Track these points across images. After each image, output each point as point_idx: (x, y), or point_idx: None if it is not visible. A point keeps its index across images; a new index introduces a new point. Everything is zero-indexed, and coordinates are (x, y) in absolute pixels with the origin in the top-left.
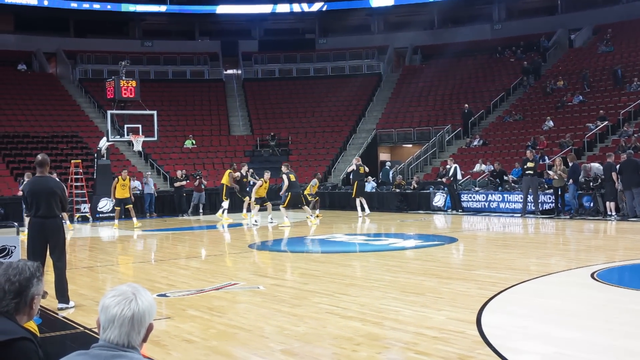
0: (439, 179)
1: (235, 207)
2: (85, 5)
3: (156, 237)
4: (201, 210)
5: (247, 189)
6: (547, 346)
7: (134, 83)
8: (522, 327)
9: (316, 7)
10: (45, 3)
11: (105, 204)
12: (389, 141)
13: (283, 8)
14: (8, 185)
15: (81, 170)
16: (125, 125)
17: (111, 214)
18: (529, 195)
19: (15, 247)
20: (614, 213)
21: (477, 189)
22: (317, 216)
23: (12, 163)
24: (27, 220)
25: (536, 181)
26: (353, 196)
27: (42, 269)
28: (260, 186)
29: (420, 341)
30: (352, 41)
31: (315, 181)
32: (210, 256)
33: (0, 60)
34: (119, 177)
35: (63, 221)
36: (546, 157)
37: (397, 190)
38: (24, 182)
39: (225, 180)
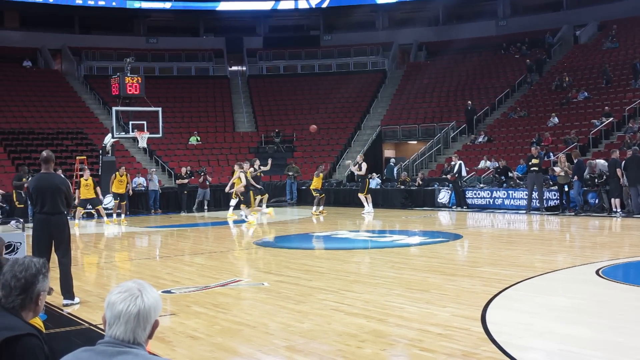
0: (444, 176)
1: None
2: (91, 2)
3: (161, 234)
4: (206, 207)
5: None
6: (552, 343)
7: (138, 79)
8: (527, 324)
9: (321, 3)
10: (51, 0)
11: (110, 201)
12: (394, 138)
13: (287, 4)
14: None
15: (86, 167)
16: (130, 122)
17: (117, 211)
18: (533, 192)
19: (21, 243)
20: (619, 210)
21: (481, 185)
22: (321, 212)
23: (18, 159)
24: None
25: (541, 178)
26: (365, 194)
27: (47, 265)
28: (238, 178)
29: (425, 338)
30: (356, 38)
31: (318, 173)
32: (215, 253)
33: (6, 57)
34: (117, 173)
35: (70, 218)
36: (551, 154)
37: (402, 187)
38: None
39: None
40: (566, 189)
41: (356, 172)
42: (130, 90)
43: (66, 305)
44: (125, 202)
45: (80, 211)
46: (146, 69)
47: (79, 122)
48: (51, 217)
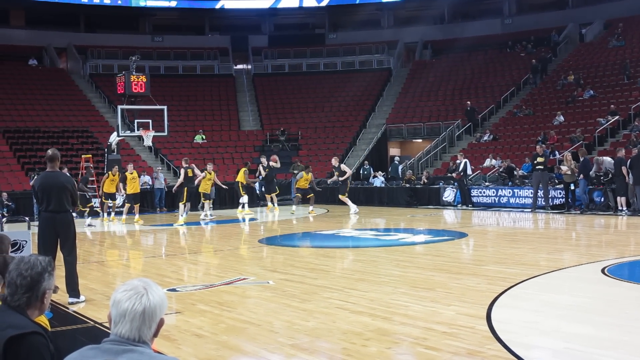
0: (449, 174)
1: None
2: (96, 0)
3: (166, 232)
4: (211, 206)
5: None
6: (558, 341)
7: (144, 78)
8: (532, 322)
9: (326, 1)
10: None
11: (116, 199)
12: (399, 136)
13: (292, 2)
14: (19, 180)
15: (92, 165)
16: (136, 120)
17: (121, 209)
18: (539, 190)
19: (26, 241)
20: (624, 208)
21: (487, 184)
22: (310, 212)
23: (23, 158)
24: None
25: (546, 176)
26: (345, 195)
27: (53, 263)
28: (204, 178)
29: (430, 336)
30: (362, 36)
31: (301, 174)
32: (220, 251)
33: (12, 56)
34: (109, 172)
35: (76, 216)
36: (556, 152)
37: (407, 185)
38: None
39: (240, 178)
40: (572, 187)
41: (341, 179)
42: (135, 88)
43: (72, 303)
44: (114, 202)
45: (107, 204)
46: (151, 68)
47: (84, 121)
48: (56, 215)
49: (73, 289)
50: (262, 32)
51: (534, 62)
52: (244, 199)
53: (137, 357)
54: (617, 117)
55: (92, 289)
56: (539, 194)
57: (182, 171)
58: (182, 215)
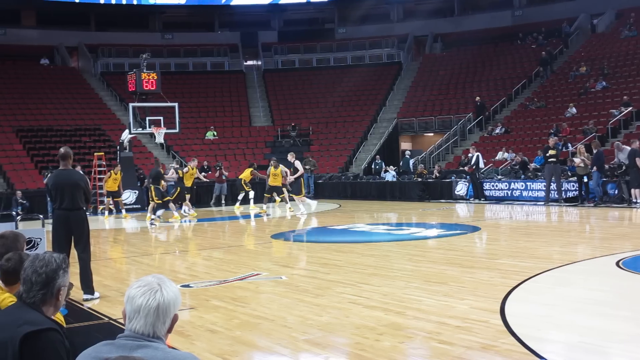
0: (461, 168)
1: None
2: None
3: (179, 228)
4: (223, 202)
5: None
6: (572, 335)
7: (155, 75)
8: (546, 316)
9: None
10: None
11: (128, 196)
12: (410, 130)
13: None
14: (33, 179)
15: (104, 163)
16: (147, 118)
17: (135, 206)
18: (552, 183)
19: (41, 239)
20: (639, 200)
21: (499, 177)
22: (263, 211)
23: (37, 156)
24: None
25: (559, 169)
26: (302, 195)
27: (67, 260)
28: (187, 172)
29: (444, 330)
30: (371, 30)
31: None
32: (233, 247)
33: (23, 55)
34: (112, 171)
35: (90, 213)
36: (569, 144)
37: (419, 180)
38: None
39: (244, 175)
40: (585, 179)
41: (293, 177)
42: (146, 86)
43: (86, 300)
44: (120, 199)
45: (108, 202)
46: (162, 65)
47: (96, 119)
48: (70, 213)
49: (87, 286)
50: (272, 28)
51: (544, 54)
52: (251, 194)
53: (151, 353)
54: (630, 108)
55: (107, 286)
56: (551, 186)
57: (172, 172)
58: (175, 213)
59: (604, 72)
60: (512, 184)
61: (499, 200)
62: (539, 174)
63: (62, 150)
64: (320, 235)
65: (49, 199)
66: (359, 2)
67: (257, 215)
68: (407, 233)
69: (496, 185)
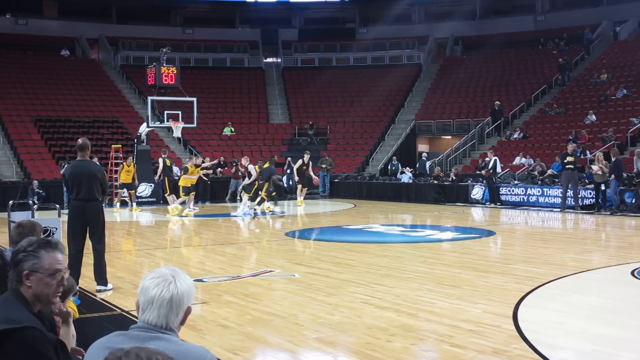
0: (478, 172)
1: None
2: None
3: (194, 223)
4: (239, 198)
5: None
6: (584, 342)
7: (174, 70)
8: (559, 322)
9: None
10: None
11: (144, 189)
12: (428, 132)
13: None
14: (50, 169)
15: (121, 155)
16: (165, 112)
17: (150, 199)
18: (568, 190)
19: (57, 228)
20: None
21: (516, 182)
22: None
23: (54, 147)
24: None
25: (576, 176)
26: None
27: (38, 243)
28: (187, 172)
29: (455, 334)
30: (392, 31)
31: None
32: (246, 243)
33: (44, 46)
34: (124, 163)
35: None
36: (587, 152)
37: (435, 182)
38: (65, 166)
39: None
40: (603, 187)
41: (248, 180)
42: (165, 80)
43: (99, 291)
44: (133, 192)
45: (120, 194)
46: (182, 60)
47: (114, 111)
48: (86, 204)
49: (101, 277)
50: (293, 26)
51: (561, 61)
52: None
53: (164, 345)
54: None
55: (120, 277)
56: (568, 193)
57: (161, 161)
58: (174, 206)
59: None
60: (529, 189)
61: (515, 205)
62: (556, 180)
63: (80, 141)
64: (334, 235)
65: (65, 189)
66: (380, 2)
67: (272, 213)
68: (422, 235)
69: (512, 190)
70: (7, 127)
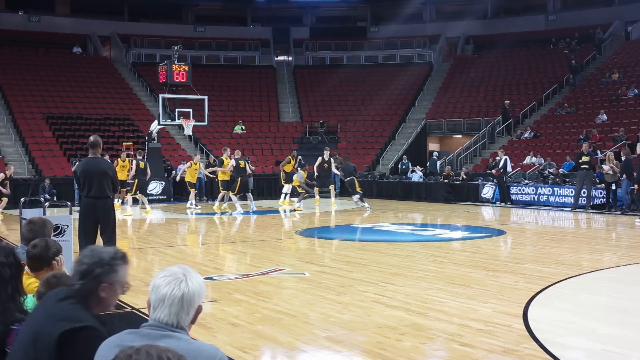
0: (488, 171)
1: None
2: None
3: (204, 221)
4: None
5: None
6: (594, 342)
7: (186, 68)
8: (569, 322)
9: None
10: None
11: (155, 187)
12: (438, 131)
13: None
14: (61, 166)
15: (132, 153)
16: (177, 109)
17: (161, 197)
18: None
19: (68, 226)
20: None
21: (526, 181)
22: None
23: (65, 144)
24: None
25: (591, 175)
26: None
27: (123, 257)
28: (190, 167)
29: (465, 333)
30: (403, 30)
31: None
32: (257, 241)
33: (57, 43)
34: (119, 159)
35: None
36: (598, 151)
37: (446, 181)
38: (77, 163)
39: (285, 167)
40: (613, 187)
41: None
42: (177, 78)
43: None
44: (126, 189)
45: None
46: (193, 57)
47: (126, 109)
48: (97, 201)
49: None
50: (304, 24)
51: (573, 62)
52: (287, 188)
53: (175, 343)
54: None
55: (130, 275)
56: (581, 193)
57: (134, 162)
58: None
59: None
60: (539, 188)
61: (525, 204)
62: (567, 179)
63: (91, 138)
64: (345, 233)
65: (76, 186)
66: (391, 1)
67: (291, 211)
68: (432, 234)
69: (523, 190)
70: (19, 124)
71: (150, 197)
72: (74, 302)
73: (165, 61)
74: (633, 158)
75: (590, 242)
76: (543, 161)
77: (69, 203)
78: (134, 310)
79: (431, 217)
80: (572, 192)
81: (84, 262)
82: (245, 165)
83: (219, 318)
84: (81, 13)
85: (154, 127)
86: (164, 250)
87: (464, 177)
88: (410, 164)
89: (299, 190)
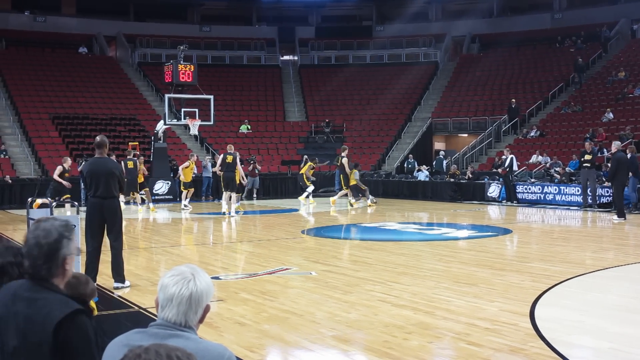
0: (494, 170)
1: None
2: None
3: (210, 221)
4: (255, 195)
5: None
6: (602, 341)
7: (191, 67)
8: (576, 321)
9: None
10: None
11: (161, 186)
12: (444, 130)
13: None
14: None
15: (138, 153)
16: (182, 109)
17: (167, 196)
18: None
19: (75, 225)
20: None
21: (532, 180)
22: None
23: (72, 144)
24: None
25: (594, 173)
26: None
27: (71, 227)
28: (187, 167)
29: (472, 332)
30: (409, 29)
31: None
32: (263, 241)
33: (62, 43)
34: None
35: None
36: (605, 150)
37: (452, 180)
38: (83, 163)
39: (304, 170)
40: None
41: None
42: (183, 77)
43: (117, 288)
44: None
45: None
46: (199, 57)
47: (132, 109)
48: (104, 201)
49: (118, 274)
50: (309, 24)
51: (580, 61)
52: (310, 188)
53: (183, 343)
54: None
55: (137, 275)
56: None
57: (122, 163)
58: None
59: None
60: (546, 187)
61: (531, 203)
62: (573, 178)
63: (98, 138)
64: (351, 233)
65: (82, 186)
66: (397, 0)
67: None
68: (438, 233)
69: (529, 189)
70: (25, 125)
71: (156, 197)
72: (45, 289)
73: (171, 61)
74: (638, 156)
75: (596, 241)
76: (549, 160)
77: (77, 203)
78: (141, 310)
79: (437, 216)
80: (578, 190)
81: (42, 244)
82: (232, 160)
83: (225, 317)
84: (87, 13)
85: (160, 127)
86: (170, 249)
87: (470, 176)
88: (416, 163)
89: (362, 187)
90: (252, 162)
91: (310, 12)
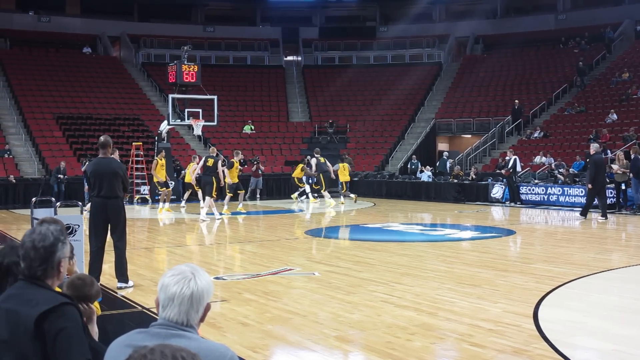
0: (498, 171)
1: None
2: None
3: (213, 221)
4: (258, 196)
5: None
6: (606, 343)
7: (195, 68)
8: (580, 322)
9: None
10: None
11: (168, 186)
12: (448, 131)
13: None
14: (71, 166)
15: (142, 153)
16: (186, 109)
17: (171, 196)
18: None
19: (79, 225)
20: None
21: (536, 181)
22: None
23: (75, 144)
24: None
25: None
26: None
27: (65, 231)
28: (188, 169)
29: (476, 333)
30: (412, 29)
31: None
32: (266, 241)
33: (67, 43)
34: (157, 157)
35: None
36: (608, 151)
37: (455, 181)
38: (87, 163)
39: (296, 174)
40: (623, 187)
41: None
42: (186, 78)
43: (120, 288)
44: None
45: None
46: (203, 58)
47: (135, 109)
48: (108, 201)
49: (122, 274)
50: (313, 24)
51: (581, 64)
52: (307, 188)
53: (185, 342)
54: None
55: (141, 275)
56: None
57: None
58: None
59: None
60: (549, 188)
61: (535, 204)
62: (577, 179)
63: (102, 138)
64: (354, 233)
65: (86, 186)
66: (401, 1)
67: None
68: (442, 234)
69: (533, 190)
70: (29, 124)
71: (159, 197)
72: (38, 287)
73: (175, 61)
74: None
75: (600, 242)
76: (553, 161)
77: (80, 203)
78: (143, 310)
79: (440, 217)
80: (581, 192)
81: (38, 247)
82: (212, 164)
83: (229, 318)
84: (91, 13)
85: (164, 127)
86: (173, 249)
87: (474, 177)
88: (419, 163)
89: (301, 185)
90: (255, 162)
91: (314, 13)
